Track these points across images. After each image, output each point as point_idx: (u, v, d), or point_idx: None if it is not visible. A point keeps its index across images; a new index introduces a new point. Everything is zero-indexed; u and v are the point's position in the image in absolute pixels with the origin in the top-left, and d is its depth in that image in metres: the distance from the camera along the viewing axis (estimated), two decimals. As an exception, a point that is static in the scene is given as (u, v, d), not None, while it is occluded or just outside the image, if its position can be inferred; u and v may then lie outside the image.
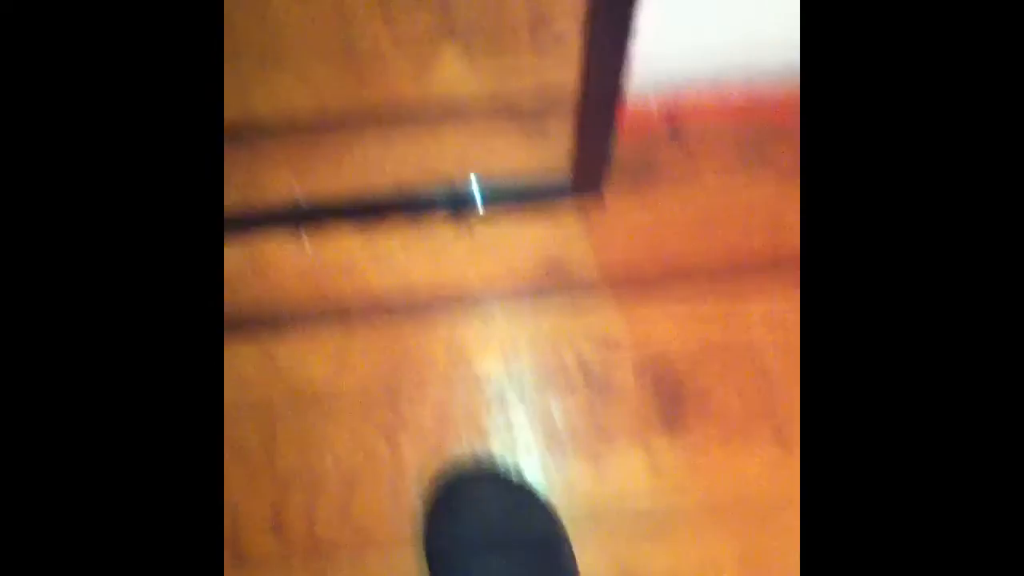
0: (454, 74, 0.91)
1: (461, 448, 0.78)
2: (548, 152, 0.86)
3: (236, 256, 0.84)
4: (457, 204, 0.84)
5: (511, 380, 0.80)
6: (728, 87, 0.87)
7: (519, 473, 0.77)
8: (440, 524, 0.74)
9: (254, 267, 0.83)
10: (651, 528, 0.78)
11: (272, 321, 0.81)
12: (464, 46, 0.92)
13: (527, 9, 0.94)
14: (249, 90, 0.89)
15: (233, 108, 0.87)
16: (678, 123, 0.89)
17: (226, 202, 0.83)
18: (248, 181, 0.86)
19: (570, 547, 0.76)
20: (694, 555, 0.78)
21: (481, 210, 0.85)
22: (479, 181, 0.85)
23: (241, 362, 0.81)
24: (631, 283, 0.83)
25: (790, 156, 0.87)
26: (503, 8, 0.93)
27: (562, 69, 0.90)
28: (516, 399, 0.80)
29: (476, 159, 0.86)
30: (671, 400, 0.80)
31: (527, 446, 0.79)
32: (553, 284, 0.83)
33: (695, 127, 0.89)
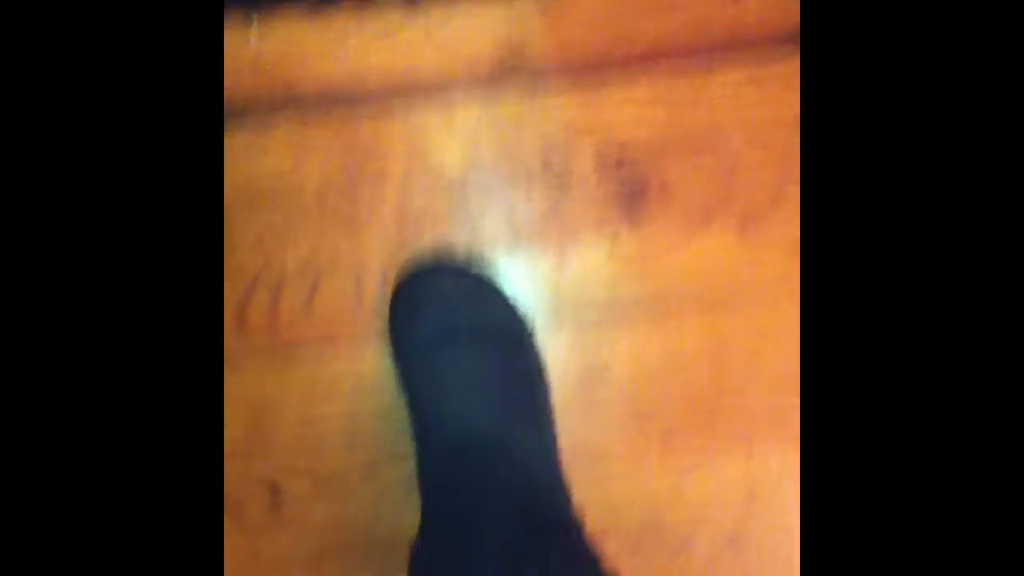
0: None
1: (422, 244, 0.77)
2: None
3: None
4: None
5: (471, 173, 0.78)
6: None
7: (480, 265, 0.77)
8: (403, 320, 0.74)
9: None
10: (615, 320, 0.78)
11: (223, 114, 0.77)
12: None
13: None
14: None
15: None
16: None
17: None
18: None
19: (534, 339, 0.76)
20: (658, 345, 0.79)
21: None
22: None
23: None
24: (590, 69, 0.79)
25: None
26: None
27: None
28: (477, 192, 0.78)
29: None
30: (634, 189, 0.79)
31: (489, 241, 0.78)
32: (511, 71, 0.79)
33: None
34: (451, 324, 0.72)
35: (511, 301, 0.76)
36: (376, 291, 0.77)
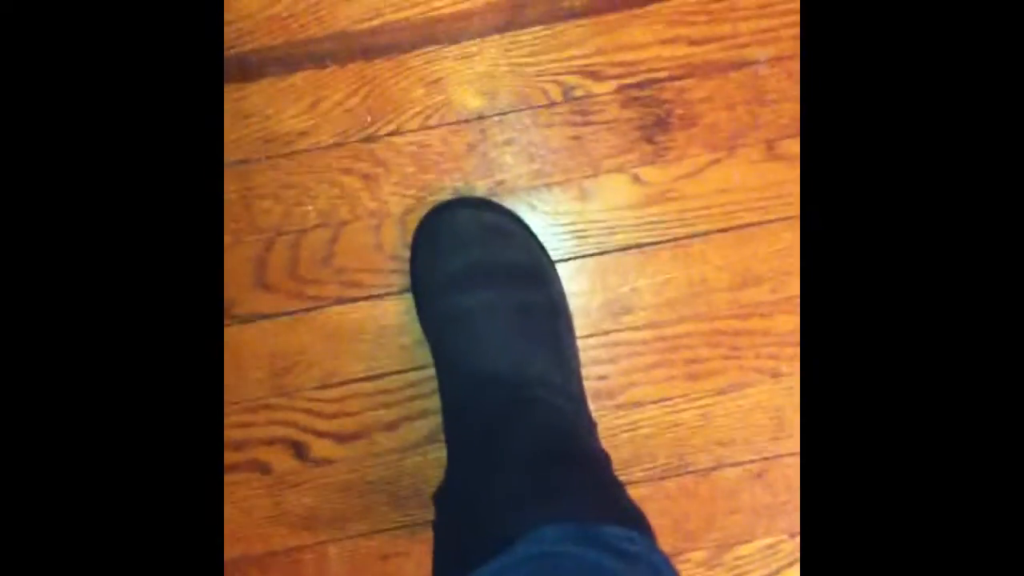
0: None
1: (444, 191, 0.78)
2: None
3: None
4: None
5: (492, 117, 0.77)
6: None
7: (501, 199, 0.77)
8: (424, 259, 0.74)
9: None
10: (639, 256, 0.79)
11: (239, 70, 0.78)
12: None
13: None
14: None
15: None
16: None
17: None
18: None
19: (557, 275, 0.77)
20: (683, 277, 0.79)
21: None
22: None
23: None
24: (614, 4, 0.78)
25: None
26: None
27: None
28: (498, 136, 0.77)
29: None
30: (658, 126, 0.78)
31: (511, 184, 0.78)
32: (531, 9, 0.78)
33: None
34: (473, 261, 0.72)
35: (532, 233, 0.76)
36: (397, 242, 0.77)
